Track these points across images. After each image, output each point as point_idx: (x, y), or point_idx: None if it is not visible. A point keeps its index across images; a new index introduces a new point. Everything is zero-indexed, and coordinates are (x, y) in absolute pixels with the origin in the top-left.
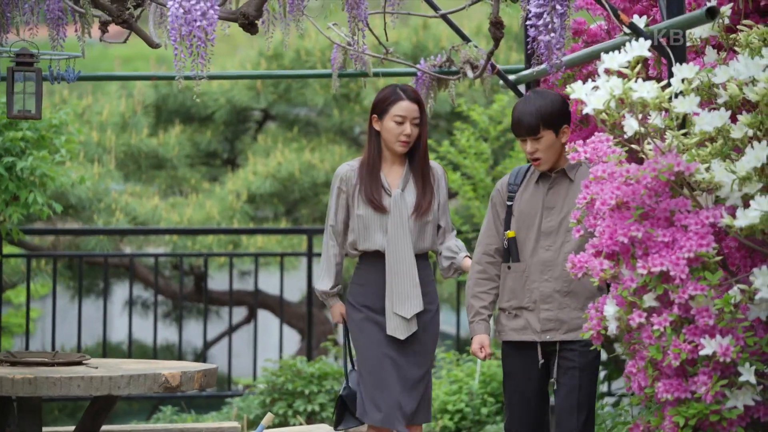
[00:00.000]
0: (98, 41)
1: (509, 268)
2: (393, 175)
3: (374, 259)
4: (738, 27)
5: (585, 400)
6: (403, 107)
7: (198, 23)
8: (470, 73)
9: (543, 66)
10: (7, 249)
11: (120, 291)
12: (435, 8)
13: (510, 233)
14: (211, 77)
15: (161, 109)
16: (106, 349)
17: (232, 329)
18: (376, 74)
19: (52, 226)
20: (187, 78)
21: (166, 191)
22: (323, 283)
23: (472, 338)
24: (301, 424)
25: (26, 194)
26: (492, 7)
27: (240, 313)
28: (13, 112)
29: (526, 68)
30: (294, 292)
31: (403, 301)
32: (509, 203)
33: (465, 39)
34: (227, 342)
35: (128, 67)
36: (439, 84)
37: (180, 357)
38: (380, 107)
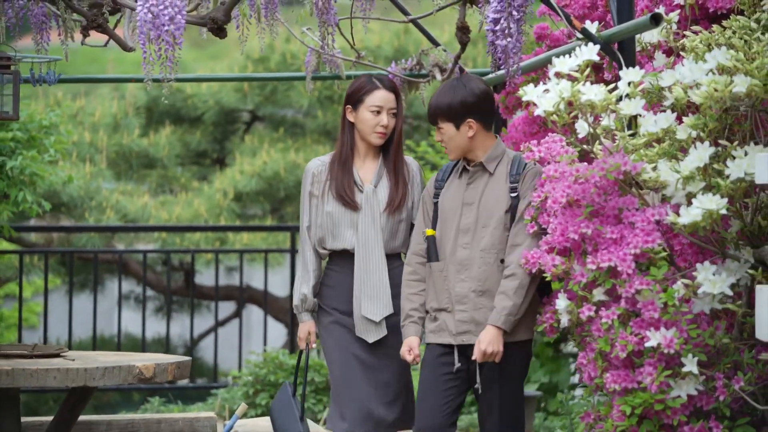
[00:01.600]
0: (80, 45)
1: (430, 267)
2: (366, 170)
3: (344, 260)
4: (684, 33)
5: (507, 402)
6: (380, 97)
7: (166, 27)
8: (439, 76)
9: (502, 71)
10: (1, 245)
11: (114, 286)
12: (405, 13)
13: (429, 231)
14: (179, 80)
15: (152, 111)
16: (97, 343)
17: (219, 323)
18: (348, 77)
19: (46, 224)
20: (155, 80)
21: (156, 190)
22: (304, 286)
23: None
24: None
25: (16, 192)
26: (459, 13)
27: (228, 307)
28: None
29: (492, 71)
30: (280, 287)
31: (372, 304)
32: (435, 200)
33: (434, 43)
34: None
35: (120, 69)
36: (410, 86)
37: (168, 350)
38: (355, 97)
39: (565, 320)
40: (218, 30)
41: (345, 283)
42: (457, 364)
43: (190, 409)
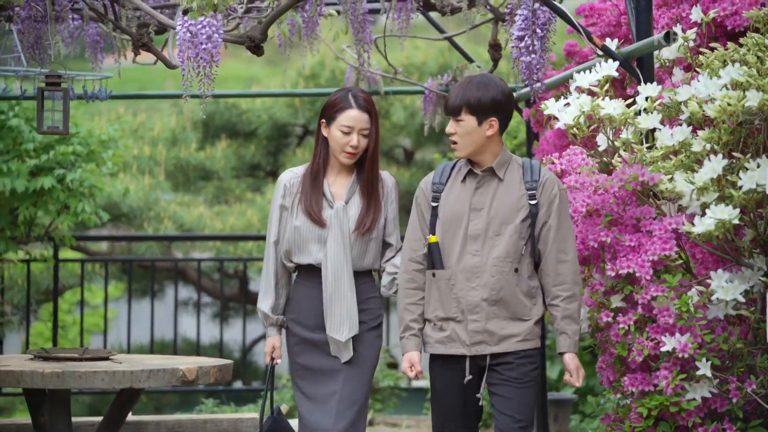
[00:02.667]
0: (132, 63)
1: (434, 275)
2: (338, 186)
3: (310, 273)
4: (701, 50)
5: (523, 412)
6: (352, 117)
7: (203, 46)
8: None
9: (555, 78)
10: (65, 254)
11: (172, 293)
12: (441, 31)
13: (432, 238)
14: (216, 96)
15: (209, 125)
16: (155, 347)
17: None
18: (386, 92)
19: (107, 233)
20: (193, 96)
21: (211, 201)
22: (264, 303)
23: (402, 355)
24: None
25: (76, 203)
26: (491, 31)
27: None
28: (43, 128)
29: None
30: None
31: (339, 324)
32: (434, 204)
33: (469, 59)
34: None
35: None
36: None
37: (223, 354)
38: (329, 113)
39: (585, 326)
40: (255, 48)
41: (311, 296)
42: (468, 377)
43: (242, 410)
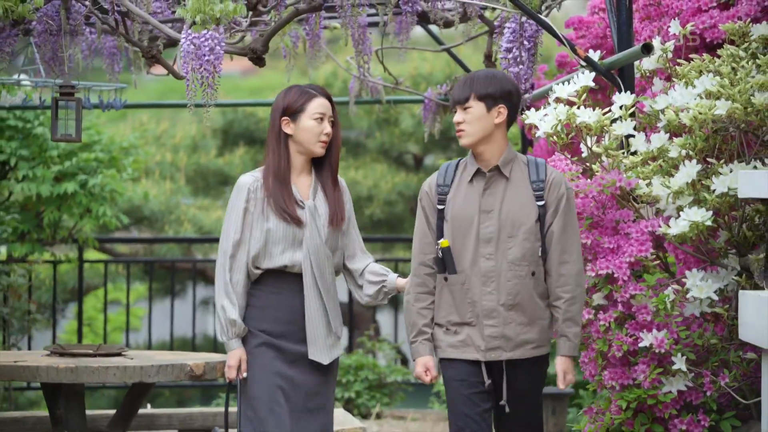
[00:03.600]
0: (149, 74)
1: (446, 279)
2: (301, 185)
3: (277, 279)
4: (679, 61)
5: (532, 420)
6: (321, 103)
7: (206, 57)
8: None
9: (539, 91)
10: (90, 255)
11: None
12: (440, 43)
13: (444, 242)
14: (219, 105)
15: (228, 133)
16: (175, 344)
17: None
18: (388, 101)
19: (129, 236)
20: (197, 105)
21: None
22: (232, 310)
23: (414, 360)
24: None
25: (97, 207)
26: (486, 42)
27: None
28: (57, 135)
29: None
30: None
31: (334, 321)
32: (440, 207)
33: (467, 70)
34: None
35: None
36: (444, 109)
37: None
38: (294, 107)
39: None
40: (257, 59)
41: (279, 303)
42: (488, 381)
43: None
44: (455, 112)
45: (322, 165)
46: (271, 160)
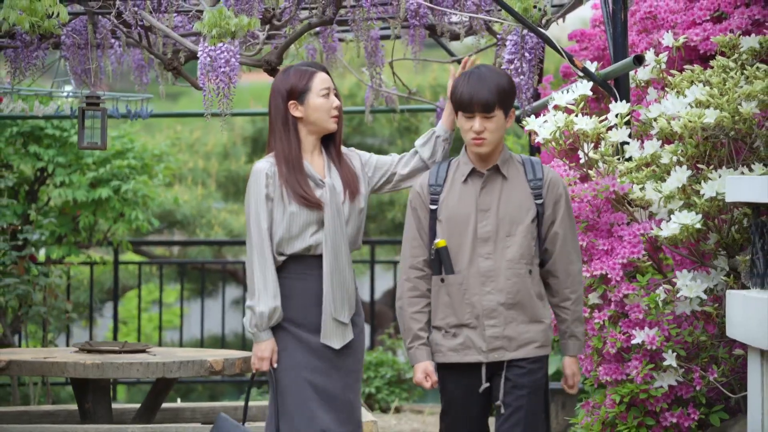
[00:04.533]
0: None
1: (442, 281)
2: (316, 165)
3: (299, 264)
4: (671, 71)
5: (533, 422)
6: (324, 78)
7: (222, 69)
8: None
9: (540, 102)
10: (125, 257)
11: (228, 292)
12: (451, 54)
13: (440, 242)
14: (234, 114)
15: (257, 141)
16: (206, 342)
17: None
18: (402, 110)
19: (163, 239)
20: (214, 115)
21: None
22: (268, 302)
23: (413, 366)
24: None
25: (130, 211)
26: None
27: None
28: (83, 143)
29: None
30: (361, 292)
31: (342, 305)
32: (433, 207)
33: None
34: None
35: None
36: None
37: None
38: (298, 89)
39: None
40: (272, 71)
41: (302, 290)
42: (486, 384)
43: None
44: (468, 117)
45: (329, 140)
46: (281, 147)
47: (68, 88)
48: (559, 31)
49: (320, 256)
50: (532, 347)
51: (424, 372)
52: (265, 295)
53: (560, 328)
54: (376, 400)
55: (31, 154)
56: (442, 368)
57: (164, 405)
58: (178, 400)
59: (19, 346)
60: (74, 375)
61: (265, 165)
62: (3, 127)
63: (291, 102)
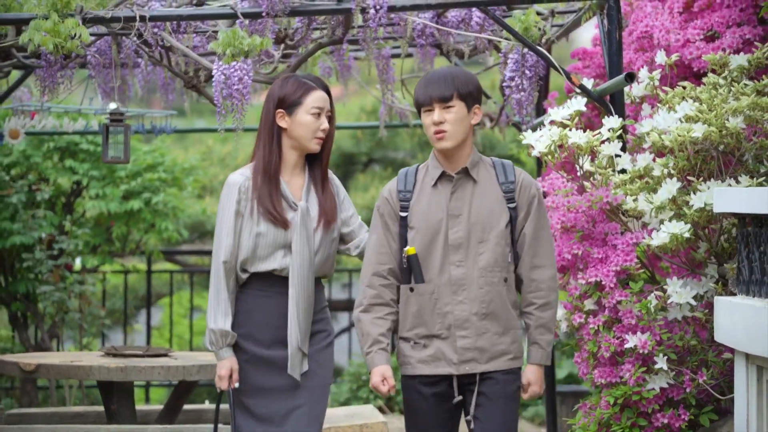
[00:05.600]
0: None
1: (411, 290)
2: (294, 185)
3: (264, 282)
4: (663, 88)
5: (509, 426)
6: (321, 97)
7: (235, 87)
8: (488, 123)
9: (541, 118)
10: (158, 266)
11: None
12: None
13: (410, 250)
14: (246, 129)
15: None
16: None
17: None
18: (415, 125)
19: (195, 248)
20: (228, 130)
21: None
22: (222, 320)
23: (370, 371)
24: (379, 405)
25: (160, 222)
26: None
27: (347, 318)
28: (107, 157)
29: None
30: None
31: (305, 335)
32: (403, 214)
33: (486, 96)
34: (344, 340)
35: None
36: None
37: None
38: (290, 100)
39: (563, 326)
40: None
41: (267, 308)
42: (458, 397)
43: None
44: (428, 111)
45: (314, 161)
46: (261, 155)
47: (111, 105)
48: (564, 50)
49: (286, 278)
50: (504, 359)
51: (381, 375)
52: (215, 314)
53: (526, 334)
54: (396, 402)
55: (67, 168)
56: (407, 379)
57: (190, 407)
58: (206, 401)
59: (58, 350)
60: (99, 378)
61: (239, 179)
62: (40, 143)
63: (279, 110)
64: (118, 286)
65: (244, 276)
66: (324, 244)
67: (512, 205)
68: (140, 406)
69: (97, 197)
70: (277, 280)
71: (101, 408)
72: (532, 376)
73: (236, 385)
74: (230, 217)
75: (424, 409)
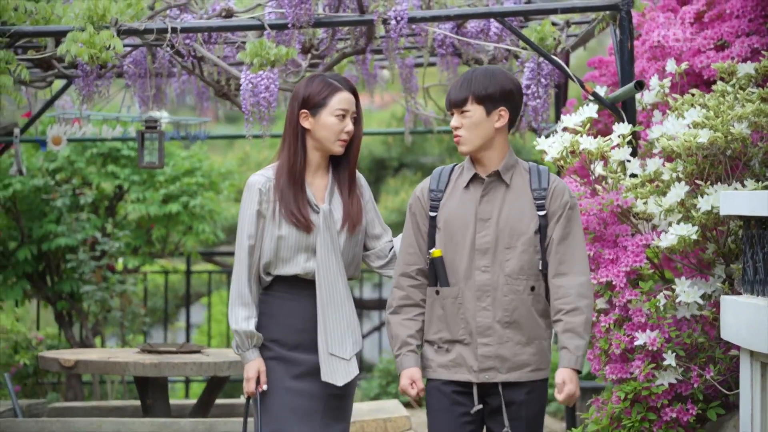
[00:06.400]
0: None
1: (437, 293)
2: (317, 187)
3: (290, 285)
4: (673, 95)
5: None
6: (346, 99)
7: (262, 95)
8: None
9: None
10: (198, 267)
11: None
12: None
13: (436, 252)
14: (273, 136)
15: None
16: None
17: (374, 329)
18: (439, 132)
19: (232, 249)
20: (255, 137)
21: None
22: (247, 321)
23: (399, 373)
24: (408, 401)
25: (198, 225)
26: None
27: (377, 316)
28: (143, 163)
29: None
30: None
31: (342, 340)
32: (432, 214)
33: None
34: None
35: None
36: None
37: None
38: (314, 100)
39: None
40: None
41: (291, 311)
42: (478, 406)
43: None
44: (452, 115)
45: (340, 164)
46: (286, 156)
47: (158, 114)
48: (583, 59)
49: (312, 281)
50: (526, 371)
51: (409, 379)
52: (239, 317)
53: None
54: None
55: (109, 173)
56: (432, 384)
57: (223, 401)
58: (242, 396)
59: (102, 347)
60: (134, 373)
61: (260, 180)
62: (84, 149)
63: (303, 111)
64: (159, 286)
65: (268, 279)
66: (349, 247)
67: (542, 213)
68: (178, 401)
69: (137, 201)
70: (302, 283)
71: (138, 402)
72: (566, 375)
73: (264, 387)
74: (252, 219)
75: (445, 416)
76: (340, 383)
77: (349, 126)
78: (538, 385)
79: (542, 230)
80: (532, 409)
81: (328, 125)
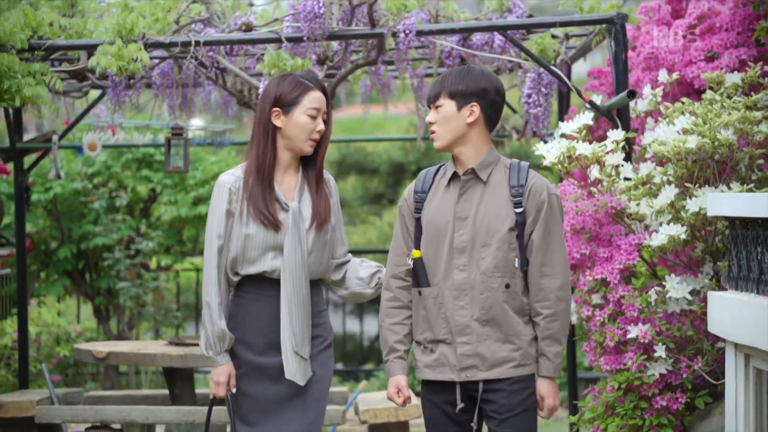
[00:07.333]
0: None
1: (420, 293)
2: (287, 186)
3: (256, 285)
4: (665, 103)
5: None
6: (318, 98)
7: None
8: (515, 136)
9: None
10: None
11: None
12: None
13: (415, 253)
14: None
15: (342, 164)
16: None
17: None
18: None
19: None
20: None
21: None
22: (221, 322)
23: (388, 379)
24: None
25: None
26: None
27: None
28: (169, 167)
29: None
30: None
31: (303, 339)
32: (417, 215)
33: (513, 110)
34: None
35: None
36: (496, 144)
37: (360, 344)
38: (287, 99)
39: (574, 318)
40: None
41: (258, 312)
42: (460, 405)
43: (349, 385)
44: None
45: (309, 163)
46: (255, 154)
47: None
48: (584, 70)
49: (278, 280)
50: (507, 367)
51: (396, 387)
52: (210, 318)
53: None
54: None
55: (144, 177)
56: (423, 385)
57: None
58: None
59: (136, 340)
60: (162, 365)
61: (230, 179)
62: (119, 154)
63: (275, 109)
64: (191, 283)
65: (236, 279)
66: (317, 246)
67: (519, 210)
68: (204, 390)
69: (169, 203)
70: (269, 283)
71: (167, 391)
72: (544, 389)
73: (233, 390)
74: (221, 218)
75: (436, 416)
76: (302, 382)
77: (321, 125)
78: (523, 379)
79: (519, 227)
80: (515, 401)
81: (300, 124)
